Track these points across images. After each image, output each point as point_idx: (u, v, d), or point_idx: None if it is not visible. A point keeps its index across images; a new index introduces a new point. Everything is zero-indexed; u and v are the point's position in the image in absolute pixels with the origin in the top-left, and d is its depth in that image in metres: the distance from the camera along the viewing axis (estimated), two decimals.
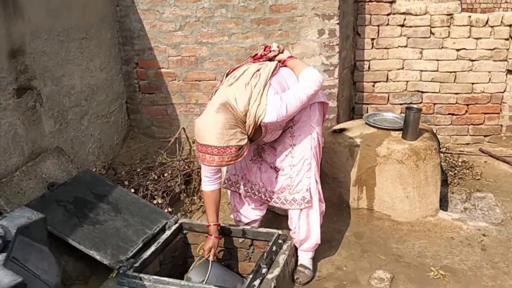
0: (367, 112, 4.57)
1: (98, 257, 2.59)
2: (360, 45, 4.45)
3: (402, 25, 4.34)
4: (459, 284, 2.78)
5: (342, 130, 3.67)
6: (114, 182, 3.33)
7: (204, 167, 2.60)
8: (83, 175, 3.14)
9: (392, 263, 2.98)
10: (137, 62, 4.21)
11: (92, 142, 3.73)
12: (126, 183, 3.42)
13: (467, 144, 4.56)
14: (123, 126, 4.28)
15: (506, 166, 4.17)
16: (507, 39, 4.26)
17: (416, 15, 4.29)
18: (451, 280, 2.81)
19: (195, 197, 3.58)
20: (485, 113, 4.48)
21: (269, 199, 2.86)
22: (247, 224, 3.01)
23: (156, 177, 3.49)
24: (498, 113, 4.47)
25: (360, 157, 3.42)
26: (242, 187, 2.93)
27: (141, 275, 2.50)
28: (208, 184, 2.66)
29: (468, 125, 4.53)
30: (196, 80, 4.18)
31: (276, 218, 3.34)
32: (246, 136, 2.44)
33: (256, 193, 2.91)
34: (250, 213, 3.00)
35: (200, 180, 3.05)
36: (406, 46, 4.40)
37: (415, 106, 3.58)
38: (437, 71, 4.41)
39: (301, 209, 2.76)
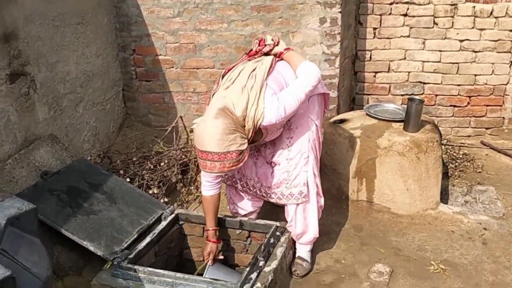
0: (367, 102, 4.50)
1: (91, 248, 2.53)
2: (361, 34, 4.37)
3: (405, 15, 4.26)
4: (460, 278, 2.74)
5: (342, 121, 3.60)
6: (109, 171, 3.27)
7: (205, 172, 2.54)
8: (78, 163, 3.08)
9: (392, 256, 2.94)
10: (134, 48, 4.13)
11: (87, 130, 3.67)
12: (121, 172, 3.36)
13: (469, 136, 4.50)
14: (119, 114, 4.21)
15: (508, 159, 4.12)
16: (511, 31, 4.18)
17: (420, 4, 4.21)
18: (452, 274, 2.77)
19: (192, 187, 3.52)
20: (487, 105, 4.41)
21: (264, 194, 2.80)
22: (244, 215, 2.96)
23: (152, 167, 3.43)
24: (501, 106, 4.41)
25: (360, 149, 3.36)
26: (238, 181, 2.87)
27: (136, 266, 2.46)
28: (209, 189, 2.60)
29: (470, 117, 4.47)
30: (194, 68, 4.10)
31: (274, 209, 3.29)
32: (246, 141, 2.41)
33: (251, 188, 2.85)
34: (247, 204, 2.94)
35: (198, 169, 3.00)
36: (408, 36, 4.32)
37: (417, 97, 3.51)
38: (439, 62, 4.34)
39: (297, 204, 2.70)
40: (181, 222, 2.97)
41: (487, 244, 3.03)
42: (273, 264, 2.55)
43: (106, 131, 3.97)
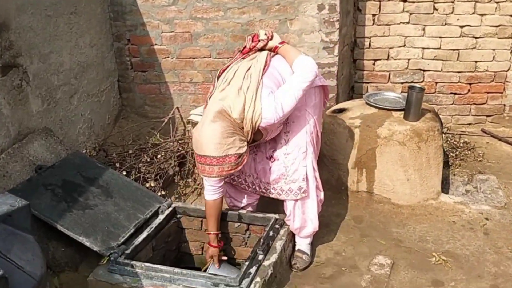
0: (367, 91, 4.44)
1: (87, 244, 2.50)
2: (360, 21, 4.29)
3: (405, 0, 4.17)
4: (462, 270, 2.71)
5: (341, 110, 3.55)
6: (105, 164, 3.23)
7: (206, 177, 2.49)
8: (73, 157, 3.03)
9: (393, 248, 2.90)
10: (129, 38, 4.06)
11: (82, 122, 3.61)
12: (117, 165, 3.31)
13: (469, 124, 4.45)
14: (115, 106, 4.15)
15: (509, 147, 4.07)
16: None
17: None
18: (453, 265, 2.74)
19: (190, 180, 3.47)
20: (488, 93, 4.35)
21: (264, 190, 2.75)
22: (242, 208, 2.91)
23: (149, 159, 3.38)
24: (502, 93, 4.35)
25: (360, 139, 3.31)
26: (236, 178, 2.82)
27: (133, 262, 2.43)
28: (212, 193, 2.55)
29: (471, 104, 4.41)
30: (190, 58, 4.03)
31: (273, 201, 3.22)
32: (245, 143, 2.38)
33: (250, 185, 2.80)
34: (244, 197, 2.90)
35: (195, 162, 2.95)
36: (408, 23, 4.24)
37: (417, 85, 3.45)
38: (439, 48, 4.27)
39: (297, 199, 2.65)
40: (178, 216, 2.93)
41: (489, 235, 2.99)
42: (273, 257, 2.52)
43: (102, 123, 3.91)
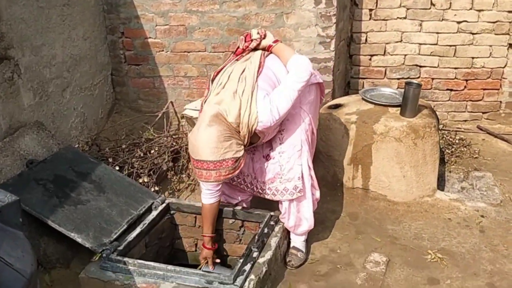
0: (363, 87, 4.41)
1: (79, 240, 2.45)
2: (357, 16, 4.25)
3: None
4: (457, 268, 2.69)
5: (337, 106, 3.51)
6: (98, 159, 3.18)
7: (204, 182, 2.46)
8: (65, 151, 2.98)
9: (388, 245, 2.88)
10: (122, 31, 4.00)
11: (74, 116, 3.56)
12: (110, 160, 3.26)
13: (465, 121, 4.43)
14: (108, 100, 4.10)
15: (505, 144, 4.06)
16: (510, 12, 4.08)
17: None
18: (449, 263, 2.72)
19: (183, 175, 3.43)
20: (484, 89, 4.33)
21: (260, 191, 2.71)
22: (236, 204, 2.87)
23: (142, 154, 3.33)
24: (498, 89, 4.33)
25: (356, 135, 3.28)
26: (235, 179, 2.78)
27: (125, 259, 2.39)
28: (209, 197, 2.53)
29: (467, 101, 4.39)
30: (185, 51, 3.98)
31: None
32: (242, 147, 2.35)
33: (249, 185, 2.76)
34: (237, 194, 2.86)
35: (189, 157, 2.91)
36: (405, 18, 4.21)
37: (414, 81, 3.43)
38: (436, 44, 4.24)
39: (292, 199, 2.62)
40: (172, 212, 2.89)
41: (484, 232, 2.97)
42: (267, 254, 2.49)
43: (95, 118, 3.86)
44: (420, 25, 4.22)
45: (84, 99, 3.68)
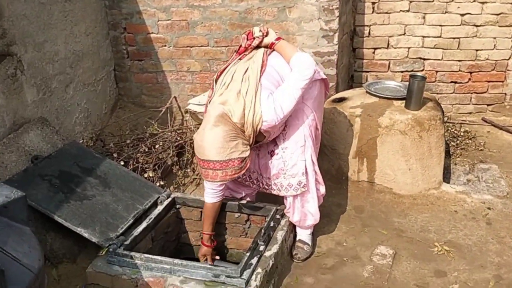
0: (366, 80, 4.39)
1: (86, 235, 2.45)
2: (360, 9, 4.23)
3: None
4: (464, 260, 2.68)
5: (341, 100, 3.50)
6: (103, 154, 3.18)
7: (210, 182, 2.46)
8: (69, 147, 2.97)
9: (394, 238, 2.87)
10: (125, 26, 3.99)
11: (78, 112, 3.55)
12: (115, 155, 3.26)
13: (470, 113, 4.41)
14: (111, 95, 4.09)
15: (510, 136, 4.04)
16: None
17: None
18: (456, 255, 2.71)
19: (188, 170, 3.43)
20: (488, 81, 4.31)
21: (266, 186, 2.70)
22: (241, 198, 2.87)
23: (146, 149, 3.33)
24: (502, 81, 4.31)
25: (361, 128, 3.27)
26: (241, 176, 2.76)
27: (132, 253, 2.38)
28: (212, 196, 2.56)
29: (471, 93, 4.37)
30: (187, 46, 3.97)
31: None
32: (248, 147, 2.34)
33: (255, 181, 2.75)
34: (242, 189, 2.86)
35: (194, 151, 2.90)
36: (408, 11, 4.19)
37: (419, 73, 3.41)
38: (440, 37, 4.22)
39: (297, 194, 2.61)
40: (178, 206, 2.89)
41: (491, 224, 2.96)
42: (274, 248, 2.48)
43: (98, 113, 3.85)
44: (424, 17, 4.19)
45: (87, 95, 3.67)
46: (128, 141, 3.44)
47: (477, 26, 4.15)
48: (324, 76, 2.72)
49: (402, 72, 4.36)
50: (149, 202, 2.78)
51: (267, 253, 2.44)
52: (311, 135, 2.61)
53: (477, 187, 3.37)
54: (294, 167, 2.57)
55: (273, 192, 2.69)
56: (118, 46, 4.06)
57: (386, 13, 4.23)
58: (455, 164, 3.67)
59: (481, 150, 3.84)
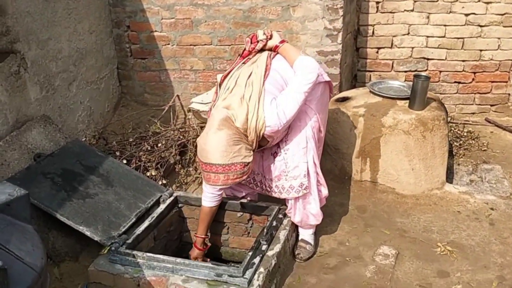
0: (370, 79, 4.38)
1: (88, 233, 2.45)
2: (364, 8, 4.22)
3: None
4: (467, 260, 2.67)
5: (345, 99, 3.49)
6: (105, 152, 3.17)
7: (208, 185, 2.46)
8: (72, 145, 2.97)
9: (397, 238, 2.86)
10: (128, 25, 3.98)
11: (81, 110, 3.55)
12: (117, 153, 3.25)
13: (473, 113, 4.40)
14: (114, 93, 4.09)
15: None
16: None
17: None
18: (459, 256, 2.70)
19: (191, 168, 3.42)
20: (492, 82, 4.30)
21: (268, 188, 2.69)
22: (242, 197, 2.86)
23: (149, 148, 3.32)
24: (506, 82, 4.29)
25: (364, 128, 3.26)
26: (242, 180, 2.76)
27: (134, 252, 2.38)
28: (210, 200, 2.57)
29: (475, 93, 4.36)
30: (191, 45, 3.97)
31: None
32: (251, 153, 2.35)
33: (258, 183, 2.75)
34: (243, 187, 2.85)
35: (196, 150, 2.90)
36: (412, 10, 4.17)
37: (423, 73, 3.40)
38: (444, 37, 4.20)
39: (298, 196, 2.60)
40: (180, 205, 2.89)
41: (494, 225, 2.95)
42: (276, 247, 2.48)
43: (101, 111, 3.85)
44: (428, 17, 4.18)
45: (90, 93, 3.67)
46: (130, 140, 3.44)
47: (481, 26, 4.14)
48: (328, 79, 2.71)
49: (405, 72, 4.35)
50: (152, 201, 2.78)
51: (270, 253, 2.43)
52: (313, 137, 2.60)
53: (480, 188, 3.36)
54: (295, 169, 2.56)
55: (274, 195, 2.68)
56: (122, 44, 4.05)
57: (390, 12, 4.21)
58: (458, 164, 3.66)
59: (484, 150, 3.83)
